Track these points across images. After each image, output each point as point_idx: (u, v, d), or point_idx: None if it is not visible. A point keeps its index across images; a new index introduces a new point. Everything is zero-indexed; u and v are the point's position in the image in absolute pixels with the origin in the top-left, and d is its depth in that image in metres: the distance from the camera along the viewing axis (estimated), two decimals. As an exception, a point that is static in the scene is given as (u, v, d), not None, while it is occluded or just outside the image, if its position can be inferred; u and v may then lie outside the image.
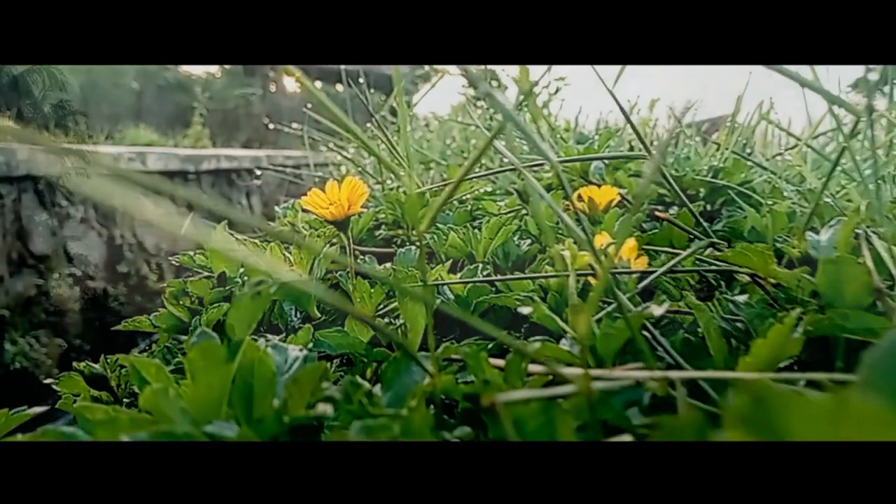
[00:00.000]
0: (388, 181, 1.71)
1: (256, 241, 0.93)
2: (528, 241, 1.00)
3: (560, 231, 0.96)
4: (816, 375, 0.46)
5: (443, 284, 0.80)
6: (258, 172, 7.82)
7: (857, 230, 0.66)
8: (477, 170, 1.34)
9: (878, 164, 0.74)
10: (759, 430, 0.26)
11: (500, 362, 0.50)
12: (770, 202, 1.03)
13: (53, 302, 4.99)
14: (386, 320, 0.76)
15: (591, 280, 0.70)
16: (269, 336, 0.77)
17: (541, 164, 1.09)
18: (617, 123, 2.55)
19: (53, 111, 9.16)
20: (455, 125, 3.09)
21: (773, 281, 0.66)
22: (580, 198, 0.94)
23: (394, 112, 3.14)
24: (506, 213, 1.13)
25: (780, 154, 1.40)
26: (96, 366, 0.83)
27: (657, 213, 0.84)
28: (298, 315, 0.88)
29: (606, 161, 1.23)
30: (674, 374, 0.46)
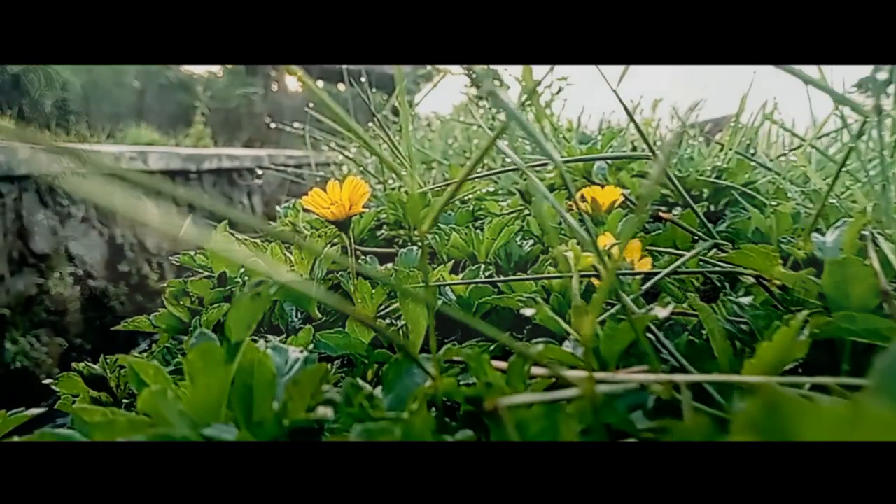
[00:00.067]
0: (390, 181, 1.70)
1: (257, 241, 0.92)
2: (531, 242, 0.99)
3: (563, 232, 0.96)
4: (824, 380, 0.45)
5: (445, 285, 0.80)
6: (259, 172, 7.82)
7: (863, 231, 0.66)
8: (479, 170, 1.34)
9: (885, 165, 0.73)
10: (771, 438, 0.25)
11: (503, 365, 0.50)
12: (774, 203, 1.02)
13: (54, 301, 4.99)
14: (387, 321, 0.76)
15: (595, 281, 0.70)
16: (270, 337, 0.77)
17: (544, 164, 1.09)
18: (620, 123, 2.54)
19: (50, 110, 9.17)
20: (457, 125, 3.08)
21: (777, 283, 0.66)
22: (583, 198, 0.93)
23: (396, 112, 3.14)
24: (508, 214, 1.13)
25: (784, 154, 1.39)
26: (95, 366, 0.82)
27: (661, 214, 0.83)
28: (299, 316, 0.87)
29: (609, 161, 1.22)
30: (678, 378, 0.46)
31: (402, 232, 1.23)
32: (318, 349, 0.69)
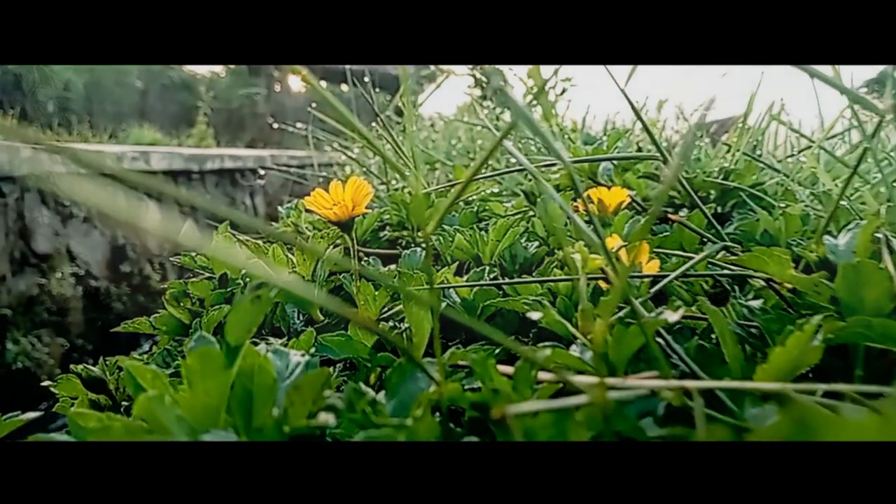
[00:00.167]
0: (393, 182, 1.69)
1: (259, 242, 0.91)
2: (536, 244, 0.98)
3: (569, 233, 0.95)
4: (841, 387, 0.44)
5: (449, 287, 0.78)
6: (262, 172, 7.82)
7: (876, 234, 0.64)
8: (484, 170, 1.33)
9: (897, 166, 0.72)
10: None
11: (509, 370, 0.48)
12: (783, 205, 1.01)
13: (56, 301, 4.99)
14: (390, 324, 0.74)
15: (602, 284, 0.68)
16: (272, 339, 0.76)
17: (551, 165, 1.07)
18: (624, 124, 2.53)
19: (52, 109, 9.17)
20: (460, 126, 3.07)
21: (788, 286, 0.65)
22: (589, 199, 0.92)
23: (399, 112, 3.13)
24: (513, 215, 1.12)
25: (793, 155, 1.38)
26: (94, 369, 0.81)
27: (668, 216, 0.82)
28: (301, 318, 0.86)
29: (615, 162, 1.21)
30: (690, 384, 0.45)
31: (405, 233, 1.22)
32: (320, 352, 0.67)
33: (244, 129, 13.90)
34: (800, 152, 1.33)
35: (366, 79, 2.00)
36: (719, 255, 0.74)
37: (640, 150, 1.62)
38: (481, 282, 0.79)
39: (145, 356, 0.88)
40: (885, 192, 0.96)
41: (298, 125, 2.88)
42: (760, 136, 1.43)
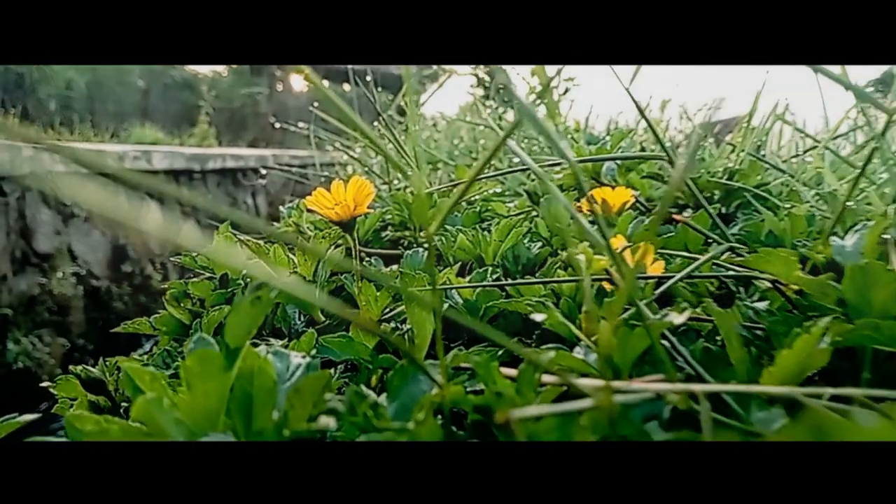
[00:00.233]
0: (395, 181, 1.69)
1: (260, 242, 0.91)
2: (539, 244, 0.98)
3: (572, 234, 0.94)
4: (850, 391, 0.44)
5: (452, 288, 0.78)
6: (263, 172, 7.82)
7: (884, 235, 0.64)
8: (487, 170, 1.32)
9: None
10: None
11: (512, 372, 0.48)
12: (788, 205, 1.00)
13: (57, 301, 4.98)
14: (392, 325, 0.74)
15: (606, 285, 0.68)
16: (273, 340, 0.75)
17: (557, 164, 1.07)
18: (628, 124, 2.52)
19: (54, 108, 9.18)
20: (462, 125, 3.07)
21: (794, 287, 0.64)
22: (592, 199, 0.92)
23: (401, 112, 3.13)
24: (515, 215, 1.11)
25: (798, 156, 1.37)
26: (94, 370, 0.80)
27: (673, 216, 0.81)
28: (302, 319, 0.85)
29: (619, 162, 1.20)
30: (697, 387, 0.44)
31: (407, 233, 1.21)
32: (321, 353, 0.67)
33: (246, 129, 13.91)
34: (805, 152, 1.32)
35: (368, 78, 2.00)
36: (724, 256, 0.73)
37: (643, 150, 1.61)
38: (484, 283, 0.78)
39: (145, 357, 0.88)
40: (891, 192, 0.95)
41: (300, 125, 2.87)
42: (765, 136, 1.42)
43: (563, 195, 0.49)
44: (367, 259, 1.04)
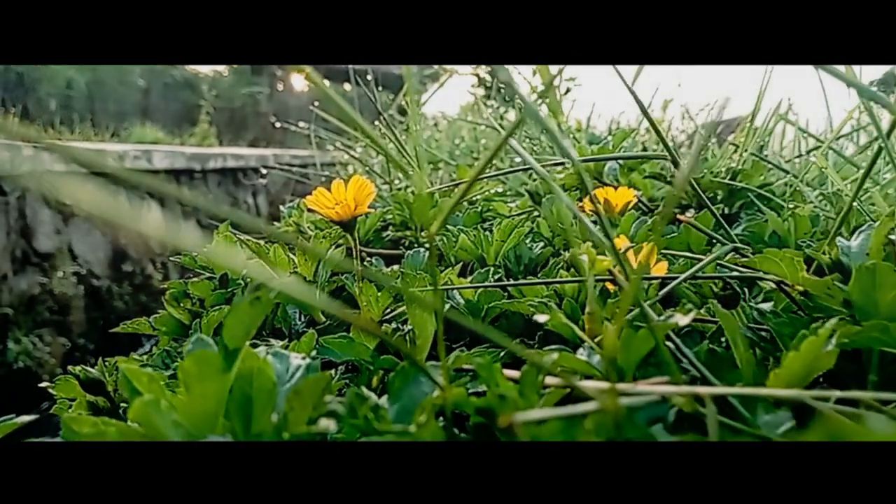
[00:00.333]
0: (396, 181, 1.68)
1: (260, 242, 0.90)
2: (541, 244, 0.97)
3: (575, 234, 0.93)
4: (859, 394, 0.43)
5: (453, 289, 0.77)
6: (264, 171, 7.82)
7: (890, 236, 0.63)
8: (488, 170, 1.31)
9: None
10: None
11: (514, 373, 0.47)
12: (791, 206, 0.99)
13: (57, 300, 4.98)
14: (393, 325, 0.73)
15: (609, 286, 0.67)
16: (273, 341, 0.75)
17: (560, 164, 1.06)
18: (629, 124, 2.52)
19: (48, 106, 9.18)
20: (463, 125, 3.06)
21: (800, 288, 0.63)
22: (595, 199, 0.91)
23: (401, 111, 3.12)
24: (517, 215, 1.10)
25: (801, 156, 1.36)
26: (93, 370, 0.80)
27: (677, 216, 0.81)
28: (303, 319, 0.85)
29: (620, 162, 1.20)
30: (703, 390, 0.43)
31: (408, 233, 1.21)
32: (321, 354, 0.66)
33: (247, 128, 13.91)
34: (808, 152, 1.31)
35: (368, 77, 1.99)
36: (728, 257, 0.72)
37: (645, 149, 1.60)
38: (486, 283, 0.78)
39: (145, 357, 0.87)
40: (895, 193, 0.95)
41: (301, 124, 2.87)
42: (768, 136, 1.42)
43: (565, 195, 0.49)
44: (368, 259, 1.03)
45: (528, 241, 0.98)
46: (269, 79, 14.74)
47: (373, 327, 0.72)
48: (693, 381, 0.52)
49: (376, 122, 1.65)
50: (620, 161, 1.20)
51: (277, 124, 3.57)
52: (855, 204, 0.86)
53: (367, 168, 2.15)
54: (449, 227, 1.07)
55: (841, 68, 0.65)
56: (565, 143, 0.41)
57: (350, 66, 2.19)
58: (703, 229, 0.80)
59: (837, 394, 0.44)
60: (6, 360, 4.41)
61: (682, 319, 0.49)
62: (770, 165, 1.20)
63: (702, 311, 0.65)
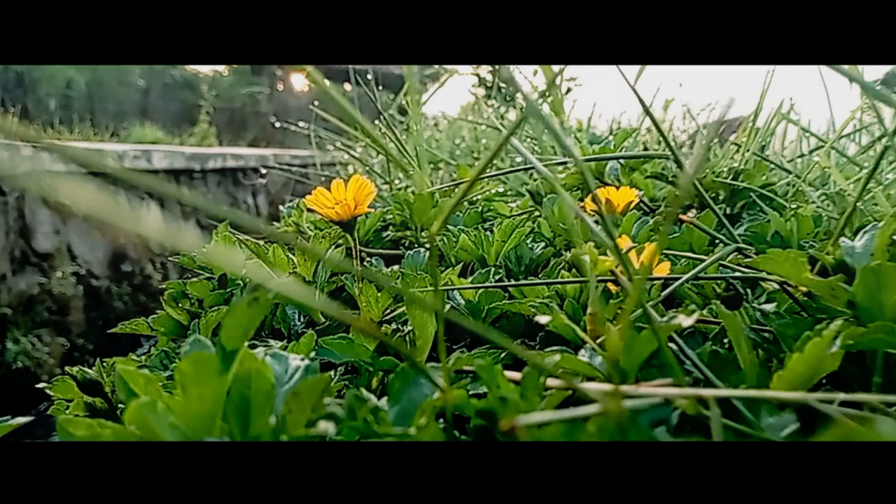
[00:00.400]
0: (396, 181, 1.67)
1: (259, 242, 0.89)
2: (542, 245, 0.96)
3: (576, 234, 0.93)
4: (866, 397, 0.43)
5: (454, 289, 0.77)
6: (263, 171, 7.82)
7: (895, 236, 0.62)
8: (489, 170, 1.31)
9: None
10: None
11: (516, 375, 0.47)
12: (794, 206, 0.99)
13: (56, 301, 4.98)
14: (393, 326, 0.73)
15: (611, 286, 0.66)
16: (272, 341, 0.74)
17: (562, 164, 1.06)
18: (630, 123, 2.52)
19: (48, 106, 9.18)
20: (463, 125, 3.06)
21: (803, 289, 0.63)
22: (596, 199, 0.90)
23: (401, 111, 3.12)
24: (518, 215, 1.10)
25: (803, 155, 1.36)
26: (90, 371, 0.79)
27: (679, 216, 0.80)
28: (302, 319, 0.84)
29: (622, 161, 1.19)
30: (707, 392, 0.43)
31: (408, 233, 1.20)
32: (321, 355, 0.66)
33: (246, 128, 13.91)
34: (811, 152, 1.31)
35: (368, 76, 1.99)
36: (730, 258, 0.72)
37: (646, 149, 1.60)
38: (487, 283, 0.77)
39: (143, 358, 0.87)
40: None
41: (301, 124, 2.87)
42: (769, 136, 1.41)
43: (566, 195, 0.48)
44: (368, 259, 1.03)
45: (529, 241, 0.97)
46: (268, 79, 14.74)
47: (372, 328, 0.72)
48: (696, 383, 0.51)
49: (376, 122, 1.65)
50: (621, 161, 1.20)
51: (277, 124, 3.57)
52: (858, 204, 0.86)
53: (367, 168, 2.15)
54: (449, 227, 1.06)
55: (844, 68, 0.64)
56: (568, 141, 0.41)
57: (350, 66, 2.18)
58: (706, 229, 0.80)
59: (843, 396, 0.44)
60: (5, 361, 4.41)
61: (686, 320, 0.48)
62: (772, 165, 1.20)
63: (704, 311, 0.65)
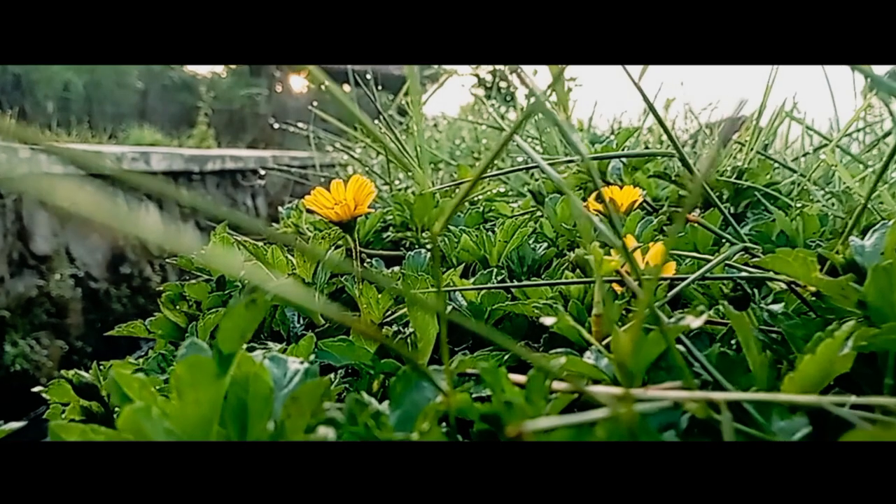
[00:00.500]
0: (397, 181, 1.67)
1: (258, 243, 0.88)
2: (545, 245, 0.95)
3: (578, 235, 0.92)
4: (879, 400, 0.41)
5: (457, 290, 0.76)
6: (262, 173, 7.82)
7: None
8: (490, 169, 1.30)
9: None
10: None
11: (520, 378, 0.45)
12: (799, 205, 0.98)
13: (55, 303, 4.97)
14: (394, 328, 0.72)
15: (616, 287, 0.65)
16: (271, 344, 0.73)
17: (567, 162, 1.05)
18: (631, 123, 2.51)
19: (45, 108, 9.19)
20: (463, 126, 3.06)
21: (812, 289, 0.62)
22: (602, 198, 0.89)
23: (401, 112, 3.11)
24: (520, 215, 1.09)
25: (808, 154, 1.35)
26: (86, 374, 0.78)
27: (688, 217, 0.79)
28: (301, 321, 0.83)
29: (624, 161, 1.18)
30: (718, 395, 0.42)
31: (409, 234, 1.19)
32: (320, 358, 0.65)
33: (245, 130, 13.93)
34: (815, 150, 1.30)
35: (368, 76, 1.98)
36: (737, 257, 0.71)
37: (647, 149, 1.59)
38: (490, 284, 0.76)
39: (141, 360, 0.86)
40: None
41: (300, 125, 2.86)
42: (772, 134, 1.40)
43: (565, 196, 0.47)
44: (368, 260, 1.02)
45: (531, 241, 0.96)
46: (267, 80, 14.76)
47: (373, 330, 0.71)
48: (703, 386, 0.50)
49: (376, 122, 1.64)
50: (624, 160, 1.19)
51: (276, 125, 3.56)
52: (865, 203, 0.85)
53: (366, 169, 2.14)
54: (450, 227, 1.05)
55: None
56: (574, 137, 0.40)
57: (349, 67, 2.18)
58: (712, 229, 0.79)
59: (856, 399, 0.43)
60: (3, 363, 4.40)
61: (695, 321, 0.47)
62: (776, 164, 1.19)
63: (710, 312, 0.64)
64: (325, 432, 0.40)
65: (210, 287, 0.93)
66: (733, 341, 0.58)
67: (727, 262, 0.68)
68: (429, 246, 1.02)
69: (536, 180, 1.34)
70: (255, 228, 0.37)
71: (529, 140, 1.77)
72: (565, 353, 0.55)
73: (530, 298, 0.72)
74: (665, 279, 0.65)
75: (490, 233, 0.95)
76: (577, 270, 0.71)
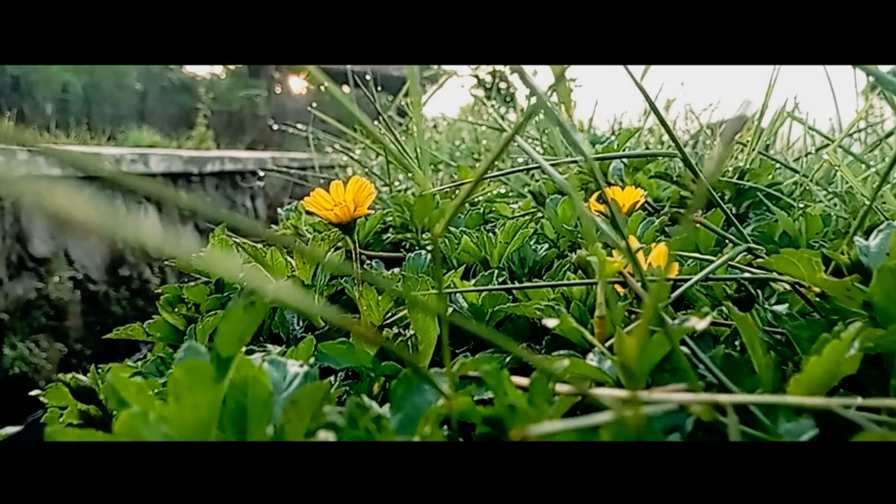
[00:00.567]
0: (397, 182, 1.66)
1: (257, 245, 0.88)
2: (546, 246, 0.95)
3: (579, 235, 0.91)
4: (887, 402, 0.41)
5: (458, 292, 0.75)
6: (262, 174, 7.82)
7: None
8: (491, 170, 1.29)
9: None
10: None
11: (523, 381, 0.45)
12: (801, 205, 0.97)
13: (54, 305, 4.96)
14: (395, 330, 0.71)
15: (618, 288, 0.65)
16: (270, 346, 0.73)
17: (571, 162, 1.04)
18: (631, 124, 2.50)
19: (44, 110, 9.20)
20: (463, 127, 3.05)
21: (816, 290, 0.61)
22: (605, 198, 0.89)
23: (400, 113, 3.11)
24: (521, 216, 1.08)
25: (809, 153, 1.35)
26: (84, 378, 0.77)
27: (694, 218, 0.79)
28: (301, 324, 0.83)
29: (625, 161, 1.18)
30: (724, 398, 0.41)
31: (409, 235, 1.19)
32: (320, 361, 0.64)
33: (244, 131, 13.93)
34: (817, 150, 1.30)
35: (367, 77, 1.98)
36: (740, 257, 0.70)
37: (647, 149, 1.59)
38: (491, 286, 0.76)
39: (139, 363, 0.85)
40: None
41: (299, 127, 2.86)
42: (773, 134, 1.40)
43: (566, 197, 0.47)
44: (368, 262, 1.01)
45: (532, 242, 0.96)
46: (266, 81, 14.76)
47: (373, 333, 0.70)
48: (708, 388, 0.50)
49: (376, 123, 1.64)
50: (625, 160, 1.18)
51: (275, 127, 3.56)
52: (869, 203, 0.84)
53: (366, 170, 2.14)
54: (451, 228, 1.05)
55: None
56: (577, 137, 0.39)
57: (349, 68, 2.17)
58: (715, 229, 0.78)
59: (862, 401, 0.42)
60: (2, 366, 4.40)
61: (700, 323, 0.47)
62: (778, 164, 1.18)
63: (714, 313, 0.63)
64: (326, 436, 0.39)
65: (209, 289, 0.92)
66: (737, 343, 0.57)
67: (730, 262, 0.68)
68: (429, 247, 1.02)
69: (537, 181, 1.34)
70: (254, 230, 0.37)
71: (530, 140, 1.76)
72: (568, 355, 0.54)
73: (532, 300, 0.72)
74: (671, 280, 0.65)
75: (491, 234, 0.94)
76: (579, 272, 0.70)
